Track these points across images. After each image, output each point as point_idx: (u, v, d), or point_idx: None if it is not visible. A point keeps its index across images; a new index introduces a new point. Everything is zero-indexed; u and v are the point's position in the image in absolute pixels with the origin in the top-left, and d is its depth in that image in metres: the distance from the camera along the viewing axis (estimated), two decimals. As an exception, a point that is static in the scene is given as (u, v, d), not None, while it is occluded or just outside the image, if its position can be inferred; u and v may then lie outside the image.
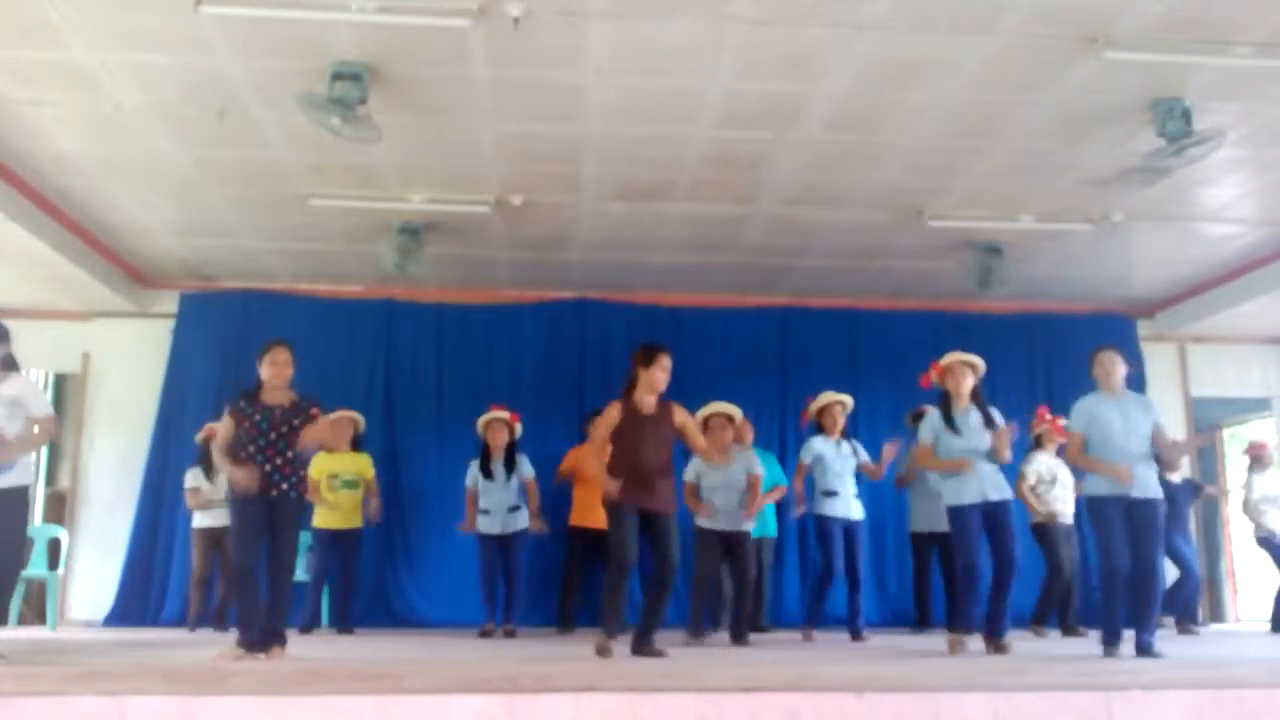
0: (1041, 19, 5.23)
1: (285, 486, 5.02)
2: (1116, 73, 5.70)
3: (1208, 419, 10.24)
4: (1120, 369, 5.60)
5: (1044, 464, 7.71)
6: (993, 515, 5.75)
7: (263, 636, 5.04)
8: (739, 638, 6.57)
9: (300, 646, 5.81)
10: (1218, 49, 5.44)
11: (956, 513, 5.79)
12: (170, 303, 9.26)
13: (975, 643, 5.75)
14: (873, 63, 5.67)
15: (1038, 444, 7.80)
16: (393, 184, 7.28)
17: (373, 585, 8.75)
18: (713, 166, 6.97)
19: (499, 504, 7.54)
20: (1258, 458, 8.88)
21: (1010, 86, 5.93)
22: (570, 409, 8.99)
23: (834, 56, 5.60)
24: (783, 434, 9.23)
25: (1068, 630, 7.64)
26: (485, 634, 7.34)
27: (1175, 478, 8.40)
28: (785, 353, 9.57)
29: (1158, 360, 10.00)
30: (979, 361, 6.02)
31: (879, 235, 8.23)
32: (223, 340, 9.00)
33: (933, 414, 5.99)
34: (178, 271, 9.15)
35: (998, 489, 5.78)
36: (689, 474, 6.86)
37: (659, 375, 5.42)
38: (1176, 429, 9.96)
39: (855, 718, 3.44)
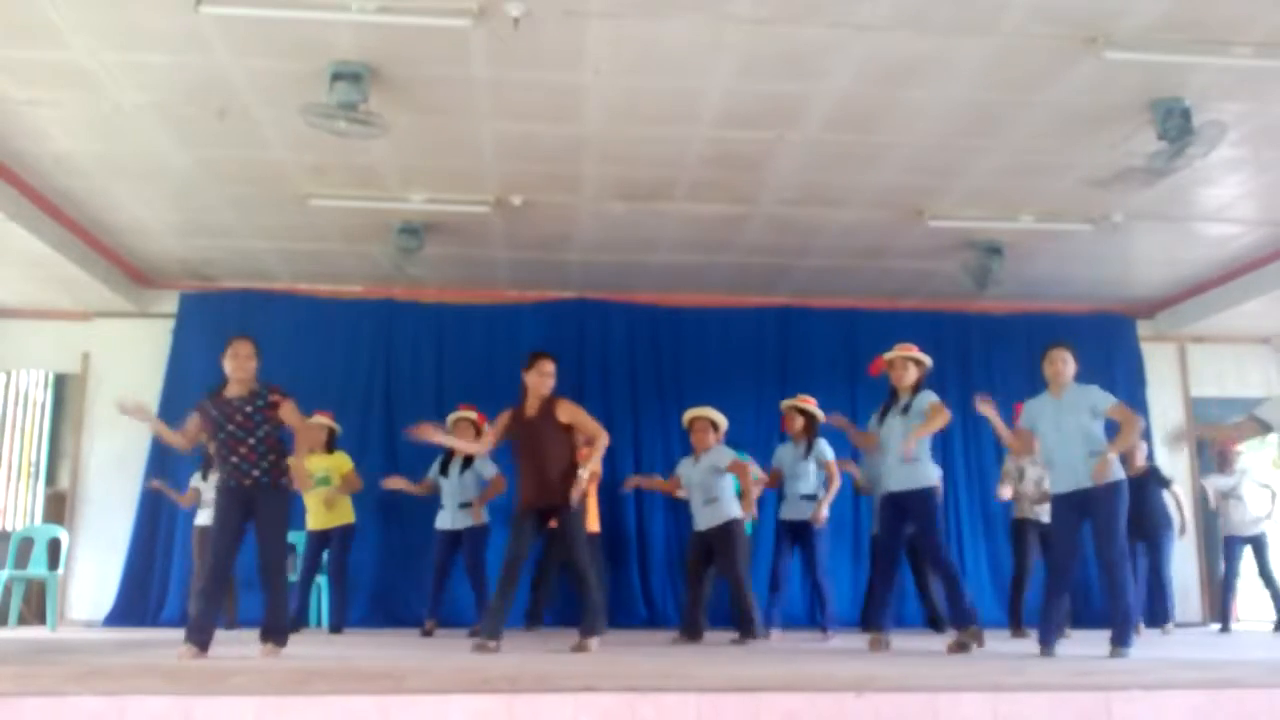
0: (1041, 19, 5.23)
1: (256, 474, 5.01)
2: (1116, 73, 5.70)
3: (1208, 419, 10.22)
4: (1069, 367, 5.59)
5: (1017, 462, 7.74)
6: (900, 505, 5.87)
7: (262, 633, 5.06)
8: (743, 633, 6.59)
9: (298, 646, 5.81)
10: (1218, 49, 5.44)
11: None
12: (170, 303, 9.27)
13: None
14: (873, 63, 5.67)
15: None
16: (393, 184, 7.28)
17: (372, 585, 8.77)
18: (713, 166, 6.97)
19: (452, 501, 7.59)
20: (1222, 456, 8.90)
21: (1010, 86, 5.93)
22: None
23: (834, 56, 5.60)
24: (782, 434, 9.22)
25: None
26: (426, 633, 7.34)
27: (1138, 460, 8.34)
28: (785, 353, 9.59)
29: (1158, 360, 10.02)
30: (923, 357, 6.07)
31: (879, 235, 8.23)
32: (223, 340, 8.76)
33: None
34: (178, 271, 9.15)
35: (898, 480, 5.85)
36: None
37: (537, 379, 5.55)
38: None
39: (855, 718, 3.44)
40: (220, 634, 7.01)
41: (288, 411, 5.15)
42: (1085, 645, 5.81)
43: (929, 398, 5.89)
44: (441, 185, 7.33)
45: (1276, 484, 8.91)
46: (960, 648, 5.50)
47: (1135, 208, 7.65)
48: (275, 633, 5.05)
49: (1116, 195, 7.28)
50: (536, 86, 5.93)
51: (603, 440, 5.56)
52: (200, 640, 4.81)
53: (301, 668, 3.72)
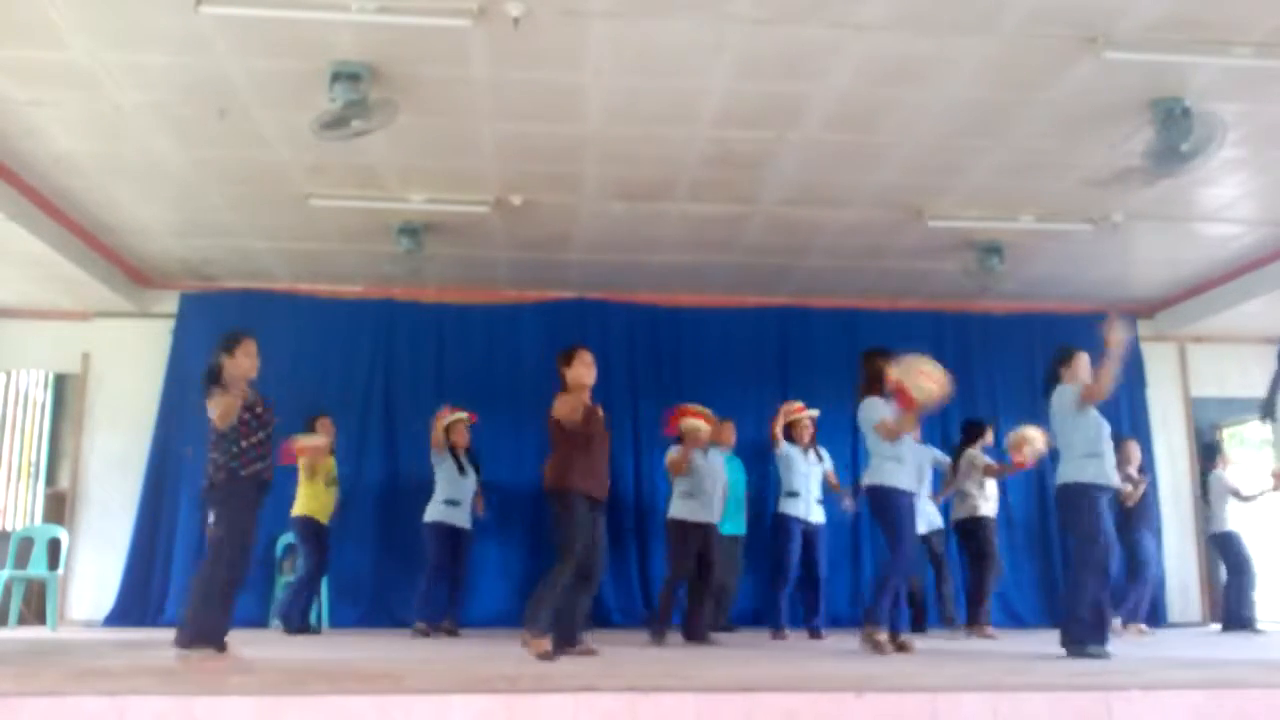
0: (1041, 19, 5.23)
1: (222, 477, 4.94)
2: (1116, 73, 5.70)
3: (1208, 419, 10.25)
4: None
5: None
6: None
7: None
8: (698, 635, 6.67)
9: (298, 647, 5.82)
10: (1218, 49, 5.44)
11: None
12: (170, 303, 9.26)
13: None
14: (873, 63, 5.66)
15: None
16: (393, 184, 7.28)
17: (372, 586, 8.77)
18: (713, 166, 6.97)
19: (468, 497, 7.80)
20: (1209, 451, 8.96)
21: (1010, 86, 5.93)
22: (570, 409, 9.02)
23: (834, 56, 5.60)
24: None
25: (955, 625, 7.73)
26: (421, 633, 7.27)
27: (1133, 472, 8.30)
28: (785, 353, 9.58)
29: (1158, 360, 10.01)
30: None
31: (879, 235, 8.23)
32: (223, 340, 9.00)
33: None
34: (178, 271, 9.15)
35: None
36: (674, 453, 7.08)
37: (584, 370, 5.51)
38: (1177, 429, 10.05)
39: (855, 718, 3.44)
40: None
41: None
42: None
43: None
44: (441, 185, 7.33)
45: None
46: (871, 645, 5.50)
47: (1135, 208, 7.65)
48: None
49: (1116, 195, 7.28)
50: (536, 86, 5.93)
51: None
52: (218, 644, 4.75)
53: (301, 668, 3.73)
